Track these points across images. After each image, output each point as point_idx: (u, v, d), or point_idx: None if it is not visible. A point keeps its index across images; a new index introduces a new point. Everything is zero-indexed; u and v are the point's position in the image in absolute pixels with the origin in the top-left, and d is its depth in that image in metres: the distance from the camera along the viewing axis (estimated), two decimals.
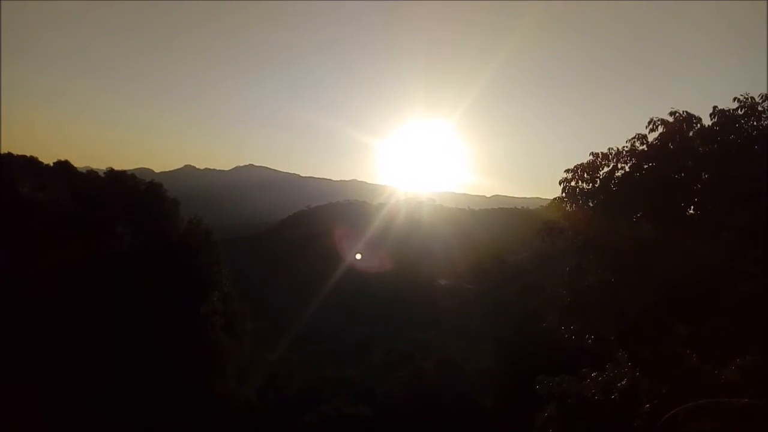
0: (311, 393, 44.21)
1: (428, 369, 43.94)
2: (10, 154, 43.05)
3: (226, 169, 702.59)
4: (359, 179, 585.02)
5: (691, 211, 16.90)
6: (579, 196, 17.80)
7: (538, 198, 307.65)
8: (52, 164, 44.42)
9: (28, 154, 44.36)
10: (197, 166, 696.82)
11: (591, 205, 17.77)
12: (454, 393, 40.98)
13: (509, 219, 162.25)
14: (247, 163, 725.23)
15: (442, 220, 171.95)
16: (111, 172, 46.01)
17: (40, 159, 44.43)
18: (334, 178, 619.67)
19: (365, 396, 43.39)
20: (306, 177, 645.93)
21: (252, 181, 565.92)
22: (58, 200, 41.90)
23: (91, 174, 46.87)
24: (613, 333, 17.12)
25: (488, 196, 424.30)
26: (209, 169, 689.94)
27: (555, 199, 18.36)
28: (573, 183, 17.89)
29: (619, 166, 17.67)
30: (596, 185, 17.72)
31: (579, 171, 17.81)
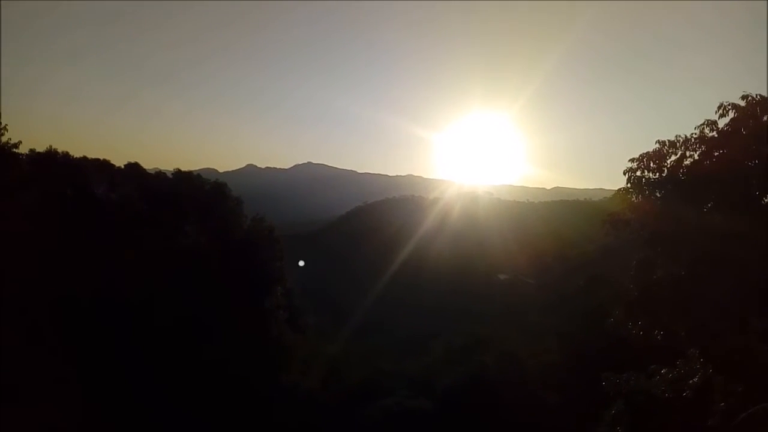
0: (372, 386, 44.65)
1: (489, 364, 43.46)
2: (84, 158, 45.53)
3: (286, 167, 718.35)
4: (415, 174, 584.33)
5: (767, 200, 15.97)
6: (645, 187, 17.16)
7: (601, 189, 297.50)
8: (123, 166, 46.78)
9: (101, 158, 46.82)
10: (259, 165, 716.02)
11: (658, 195, 17.11)
12: (516, 388, 40.41)
13: (571, 211, 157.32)
14: (305, 161, 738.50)
15: (499, 213, 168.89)
16: (178, 173, 48.06)
17: (112, 162, 46.89)
18: (390, 174, 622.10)
19: (425, 389, 43.43)
20: (362, 173, 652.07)
21: (310, 178, 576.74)
22: (129, 201, 44.25)
23: (160, 175, 49.21)
24: (684, 328, 16.47)
25: (548, 188, 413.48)
26: (270, 167, 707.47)
27: (620, 189, 17.77)
28: (639, 173, 17.25)
29: (688, 154, 16.87)
30: (663, 174, 17.02)
31: (645, 160, 17.15)
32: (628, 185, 17.36)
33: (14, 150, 39.58)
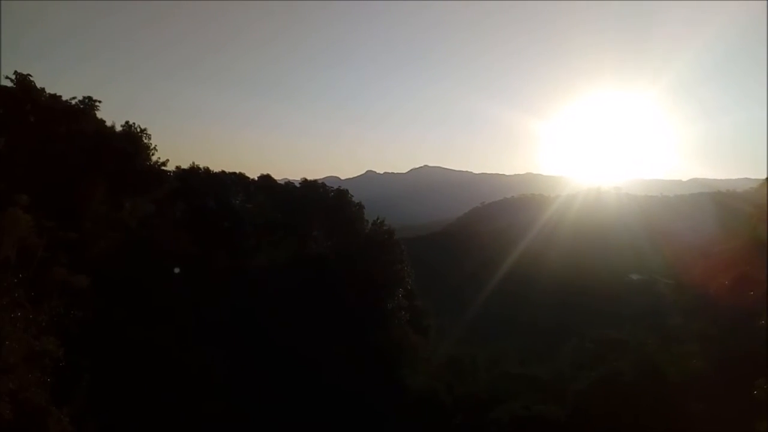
0: (499, 389, 44.01)
1: (624, 370, 40.99)
2: (223, 172, 50.23)
3: (403, 171, 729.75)
4: (534, 172, 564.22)
5: None
6: None
7: (745, 179, 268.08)
8: (256, 178, 50.89)
9: (237, 171, 51.27)
10: (377, 171, 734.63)
11: None
12: (655, 396, 37.69)
13: (711, 204, 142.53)
14: (422, 165, 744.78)
15: (629, 209, 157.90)
16: (305, 182, 51.58)
17: (247, 174, 51.14)
18: (507, 173, 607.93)
19: (554, 395, 41.99)
20: (478, 173, 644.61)
21: (427, 181, 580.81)
22: (263, 209, 48.04)
23: (289, 185, 53.04)
24: None
25: (684, 180, 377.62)
26: (388, 172, 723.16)
27: None
28: None
29: None
30: None
31: None
32: None
33: (163, 168, 44.60)
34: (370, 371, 41.38)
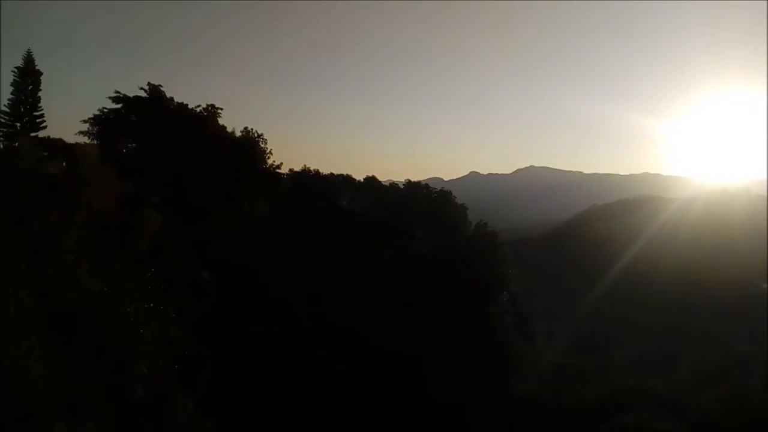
0: (610, 401, 41.94)
1: (754, 387, 37.35)
2: (332, 174, 52.65)
3: (508, 172, 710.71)
4: (652, 172, 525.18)
5: None
6: None
7: None
8: (362, 180, 52.70)
9: (345, 173, 53.40)
10: (481, 172, 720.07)
11: None
12: None
13: None
14: (527, 165, 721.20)
15: (761, 212, 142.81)
16: (408, 184, 52.67)
17: (353, 175, 53.14)
18: (621, 173, 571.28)
19: (672, 411, 39.20)
20: (590, 174, 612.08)
21: (534, 182, 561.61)
22: (368, 210, 49.56)
23: (393, 186, 54.34)
24: None
25: None
26: (492, 173, 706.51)
27: None
28: None
29: None
30: None
31: None
32: None
33: (277, 170, 47.34)
34: (473, 375, 41.04)
